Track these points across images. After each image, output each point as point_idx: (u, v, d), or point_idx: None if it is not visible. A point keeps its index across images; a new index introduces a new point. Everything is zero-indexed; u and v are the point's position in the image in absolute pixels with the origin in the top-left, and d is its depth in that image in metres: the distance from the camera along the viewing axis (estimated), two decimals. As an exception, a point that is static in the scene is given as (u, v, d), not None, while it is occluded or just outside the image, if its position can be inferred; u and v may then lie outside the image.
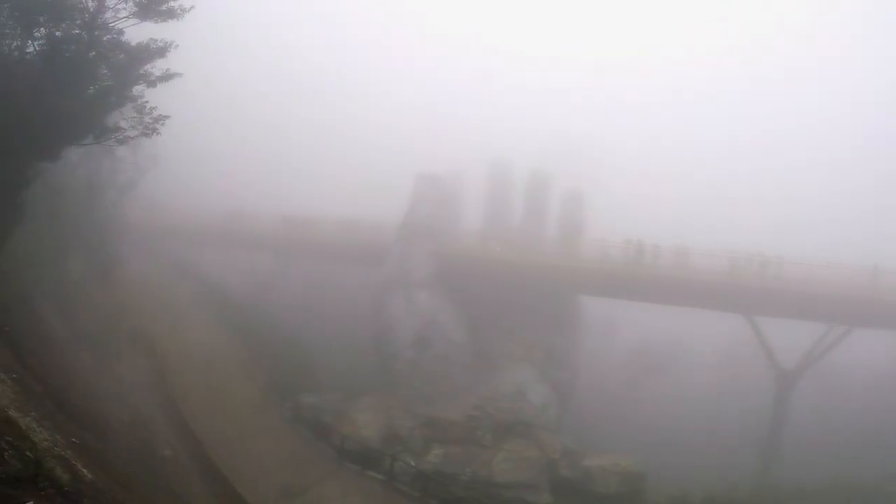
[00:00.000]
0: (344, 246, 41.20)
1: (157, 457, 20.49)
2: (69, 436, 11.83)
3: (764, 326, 32.70)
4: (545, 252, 36.88)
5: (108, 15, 17.87)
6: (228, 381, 27.46)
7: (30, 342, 17.50)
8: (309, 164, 69.83)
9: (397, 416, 26.38)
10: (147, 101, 18.85)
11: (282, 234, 43.50)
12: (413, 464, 23.44)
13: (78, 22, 17.31)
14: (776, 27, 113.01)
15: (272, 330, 34.84)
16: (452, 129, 69.31)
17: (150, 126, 18.78)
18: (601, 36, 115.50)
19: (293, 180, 63.58)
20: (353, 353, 34.84)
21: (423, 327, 33.72)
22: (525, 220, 40.76)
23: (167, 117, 19.03)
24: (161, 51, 18.63)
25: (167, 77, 19.14)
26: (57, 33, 17.08)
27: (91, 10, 17.50)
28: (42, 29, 17.03)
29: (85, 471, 10.17)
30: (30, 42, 17.28)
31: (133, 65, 18.57)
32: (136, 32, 18.53)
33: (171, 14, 18.31)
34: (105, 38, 18.06)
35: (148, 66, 18.84)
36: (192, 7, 18.53)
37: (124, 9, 17.90)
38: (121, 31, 18.24)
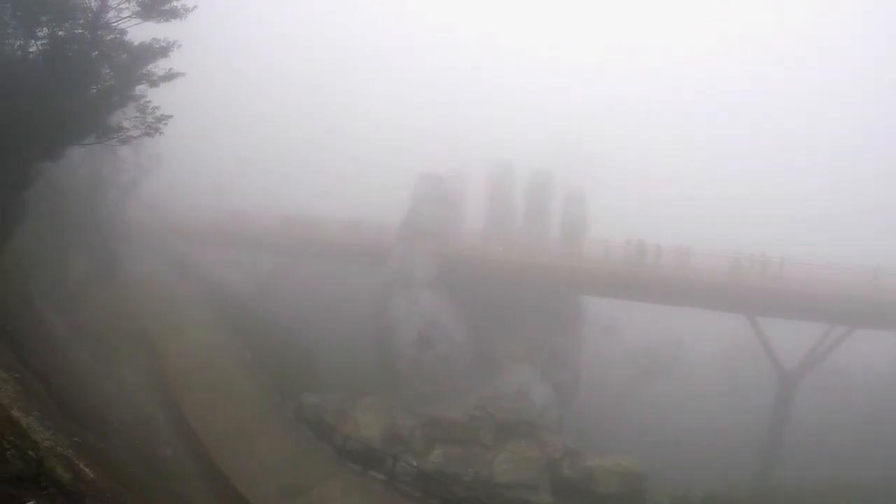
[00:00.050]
0: (346, 246, 41.20)
1: (159, 456, 20.51)
2: (70, 435, 11.84)
3: (765, 326, 32.69)
4: (547, 252, 36.91)
5: (111, 14, 17.88)
6: (230, 381, 27.43)
7: (31, 341, 17.53)
8: (311, 164, 69.97)
9: (399, 415, 26.33)
10: (149, 101, 18.83)
11: (283, 233, 43.44)
12: (414, 464, 23.39)
13: (81, 21, 17.30)
14: (776, 27, 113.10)
15: (274, 330, 34.81)
16: (454, 129, 69.49)
17: (153, 126, 18.74)
18: (601, 36, 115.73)
19: (295, 180, 63.64)
20: (355, 352, 34.82)
21: (425, 327, 33.75)
22: (526, 220, 40.79)
23: (170, 117, 18.98)
24: (164, 50, 18.64)
25: (170, 77, 19.12)
26: (59, 33, 17.08)
27: (94, 9, 17.49)
28: (45, 28, 17.02)
29: (86, 470, 10.19)
30: (32, 42, 17.28)
31: (136, 64, 18.58)
32: (139, 32, 18.54)
33: (173, 14, 18.30)
34: (108, 38, 18.04)
35: (150, 66, 18.84)
36: (195, 7, 18.52)
37: (127, 8, 17.89)
38: (123, 31, 18.24)
